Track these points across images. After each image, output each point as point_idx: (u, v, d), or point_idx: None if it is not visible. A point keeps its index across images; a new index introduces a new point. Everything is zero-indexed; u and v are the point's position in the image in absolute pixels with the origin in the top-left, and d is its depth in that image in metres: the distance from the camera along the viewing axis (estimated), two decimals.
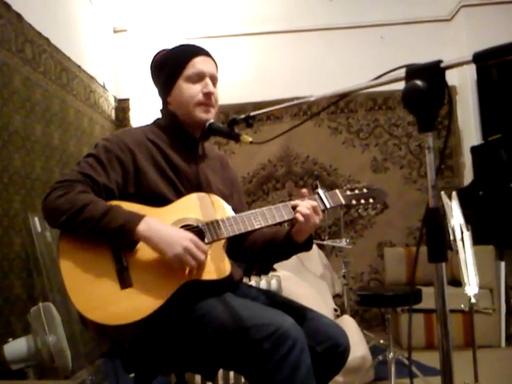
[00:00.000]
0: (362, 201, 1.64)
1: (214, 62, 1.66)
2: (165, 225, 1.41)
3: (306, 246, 1.60)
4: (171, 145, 1.60)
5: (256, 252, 1.68)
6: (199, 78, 1.59)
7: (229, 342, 1.34)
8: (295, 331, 1.31)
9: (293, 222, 1.54)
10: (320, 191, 1.60)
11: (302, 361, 1.28)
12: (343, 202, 1.61)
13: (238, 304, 1.43)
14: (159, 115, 1.70)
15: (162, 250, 1.37)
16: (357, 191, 1.65)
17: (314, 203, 1.53)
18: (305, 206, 1.51)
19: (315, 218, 1.51)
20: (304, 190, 1.57)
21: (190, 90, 1.58)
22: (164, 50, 1.70)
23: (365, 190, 1.65)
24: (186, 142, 1.64)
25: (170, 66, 1.62)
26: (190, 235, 1.39)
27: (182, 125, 1.62)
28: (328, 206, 1.58)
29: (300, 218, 1.49)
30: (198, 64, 1.60)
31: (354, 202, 1.63)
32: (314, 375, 1.34)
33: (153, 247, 1.38)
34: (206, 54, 1.64)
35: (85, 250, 1.39)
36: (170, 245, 1.36)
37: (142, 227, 1.37)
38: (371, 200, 1.65)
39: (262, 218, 1.52)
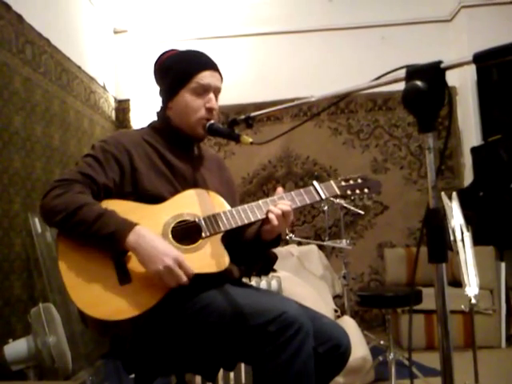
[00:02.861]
0: (357, 191, 1.65)
1: (220, 74, 1.66)
2: (155, 237, 1.39)
3: (273, 244, 1.61)
4: (167, 146, 1.63)
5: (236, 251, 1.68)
6: (204, 91, 1.60)
7: (233, 327, 1.35)
8: (301, 315, 1.32)
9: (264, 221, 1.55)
10: (315, 183, 1.61)
11: (305, 344, 1.30)
12: (338, 192, 1.62)
13: (240, 292, 1.44)
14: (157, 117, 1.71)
15: (145, 263, 1.36)
16: (351, 182, 1.66)
17: (287, 208, 1.51)
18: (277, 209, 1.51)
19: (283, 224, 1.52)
20: (279, 189, 1.59)
21: (194, 103, 1.59)
22: (173, 51, 1.70)
23: (359, 181, 1.66)
24: (181, 143, 1.65)
25: (176, 73, 1.61)
26: (175, 254, 1.36)
27: (177, 129, 1.63)
28: (324, 196, 1.59)
29: (274, 221, 1.49)
30: (205, 78, 1.59)
31: (349, 192, 1.64)
32: (316, 375, 1.35)
33: (138, 259, 1.38)
34: (215, 67, 1.64)
35: (83, 247, 1.40)
36: (152, 260, 1.35)
37: (131, 238, 1.36)
38: (366, 190, 1.65)
39: (258, 210, 1.53)
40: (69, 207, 1.38)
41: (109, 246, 1.39)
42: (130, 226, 1.38)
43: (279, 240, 1.63)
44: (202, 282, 1.44)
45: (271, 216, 1.50)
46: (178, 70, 1.62)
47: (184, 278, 1.35)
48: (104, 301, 1.34)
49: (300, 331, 1.29)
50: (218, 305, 1.39)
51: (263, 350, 1.30)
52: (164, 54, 1.70)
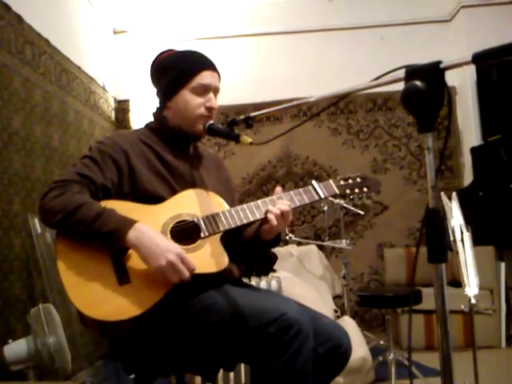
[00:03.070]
0: (356, 190, 1.64)
1: (219, 74, 1.67)
2: (155, 234, 1.40)
3: (273, 244, 1.62)
4: (164, 146, 1.63)
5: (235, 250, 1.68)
6: (204, 90, 1.61)
7: (233, 328, 1.35)
8: (301, 316, 1.32)
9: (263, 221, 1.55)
10: (314, 182, 1.61)
11: (304, 346, 1.30)
12: (337, 191, 1.62)
13: (240, 292, 1.44)
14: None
15: (147, 260, 1.36)
16: (350, 181, 1.66)
17: (286, 208, 1.51)
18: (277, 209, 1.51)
19: (282, 224, 1.51)
20: (278, 188, 1.58)
21: (194, 102, 1.60)
22: (171, 51, 1.70)
23: (358, 180, 1.66)
24: (178, 143, 1.66)
25: (177, 72, 1.62)
26: (177, 249, 1.37)
27: (174, 128, 1.64)
28: (322, 196, 1.59)
29: (273, 221, 1.49)
30: (206, 78, 1.61)
31: (347, 191, 1.64)
32: (316, 376, 1.35)
33: (139, 256, 1.38)
34: (214, 67, 1.65)
35: (82, 247, 1.40)
36: (154, 257, 1.35)
37: (132, 235, 1.37)
38: (365, 189, 1.65)
39: (257, 210, 1.53)
40: (67, 207, 1.38)
41: (109, 243, 1.39)
42: (129, 223, 1.38)
43: (279, 240, 1.63)
44: (201, 282, 1.44)
45: (270, 216, 1.50)
46: (179, 69, 1.62)
47: (187, 274, 1.35)
48: (103, 301, 1.34)
49: (300, 333, 1.29)
50: (218, 306, 1.39)
51: (263, 350, 1.30)
52: (161, 54, 1.70)
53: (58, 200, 1.39)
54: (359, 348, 2.76)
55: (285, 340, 1.28)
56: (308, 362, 1.31)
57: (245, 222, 1.52)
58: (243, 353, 1.39)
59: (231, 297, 1.41)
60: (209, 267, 1.44)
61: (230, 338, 1.37)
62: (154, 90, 1.71)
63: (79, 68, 3.73)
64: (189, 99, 1.60)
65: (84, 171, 1.47)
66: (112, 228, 1.36)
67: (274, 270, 3.05)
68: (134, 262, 1.39)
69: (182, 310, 1.42)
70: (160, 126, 1.66)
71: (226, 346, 1.39)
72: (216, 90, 1.65)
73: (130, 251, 1.40)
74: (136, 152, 1.57)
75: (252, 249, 1.64)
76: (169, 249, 1.35)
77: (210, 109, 1.61)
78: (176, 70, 1.62)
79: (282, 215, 1.50)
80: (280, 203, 1.52)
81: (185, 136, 1.65)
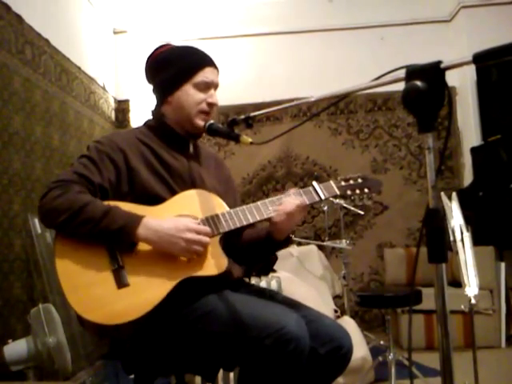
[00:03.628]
0: (357, 191, 1.63)
1: (218, 71, 1.68)
2: (162, 222, 1.41)
3: (284, 244, 1.62)
4: (162, 144, 1.62)
5: (240, 250, 1.68)
6: (206, 87, 1.62)
7: (232, 336, 1.34)
8: (299, 330, 1.31)
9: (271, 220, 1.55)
10: (314, 183, 1.61)
11: (298, 362, 1.29)
12: (338, 192, 1.61)
13: (240, 300, 1.43)
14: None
15: (166, 248, 1.39)
16: (351, 181, 1.65)
17: (297, 203, 1.52)
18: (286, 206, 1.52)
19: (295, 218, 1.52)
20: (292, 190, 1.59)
21: (197, 97, 1.60)
22: (168, 45, 1.70)
23: (359, 181, 1.65)
24: (176, 141, 1.65)
25: (179, 66, 1.61)
26: (187, 225, 1.40)
27: (173, 126, 1.64)
28: (323, 197, 1.58)
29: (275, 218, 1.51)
30: (209, 75, 1.62)
31: (348, 192, 1.63)
32: (317, 377, 1.36)
33: (155, 247, 1.40)
34: (215, 64, 1.66)
35: (81, 250, 1.39)
36: (171, 243, 1.38)
37: (142, 229, 1.38)
38: (366, 190, 1.64)
39: (257, 212, 1.53)
40: (73, 206, 1.37)
41: (119, 240, 1.39)
42: (137, 219, 1.40)
43: (289, 240, 1.63)
44: (202, 284, 1.43)
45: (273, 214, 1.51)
46: (182, 64, 1.61)
47: (207, 239, 1.41)
48: (102, 305, 1.33)
49: (296, 349, 1.28)
50: (218, 313, 1.38)
51: (256, 360, 1.30)
52: (157, 49, 1.69)
53: (60, 199, 1.38)
54: (359, 348, 2.76)
55: (279, 354, 1.27)
56: (298, 377, 1.31)
57: (244, 223, 1.51)
58: (238, 358, 1.39)
59: (231, 304, 1.40)
60: (209, 269, 1.44)
61: (228, 345, 1.36)
62: (151, 87, 1.70)
63: (79, 68, 3.72)
64: (191, 94, 1.60)
65: (82, 171, 1.47)
66: (121, 224, 1.37)
67: (274, 270, 3.04)
68: (133, 264, 1.39)
69: (182, 315, 1.41)
70: (158, 123, 1.66)
71: (224, 352, 1.39)
72: (216, 87, 1.66)
73: (140, 244, 1.41)
74: (134, 151, 1.56)
75: (264, 249, 1.64)
76: (179, 228, 1.39)
77: (211, 105, 1.61)
78: (178, 65, 1.62)
79: (287, 215, 1.50)
80: (285, 202, 1.52)
81: (184, 133, 1.64)
